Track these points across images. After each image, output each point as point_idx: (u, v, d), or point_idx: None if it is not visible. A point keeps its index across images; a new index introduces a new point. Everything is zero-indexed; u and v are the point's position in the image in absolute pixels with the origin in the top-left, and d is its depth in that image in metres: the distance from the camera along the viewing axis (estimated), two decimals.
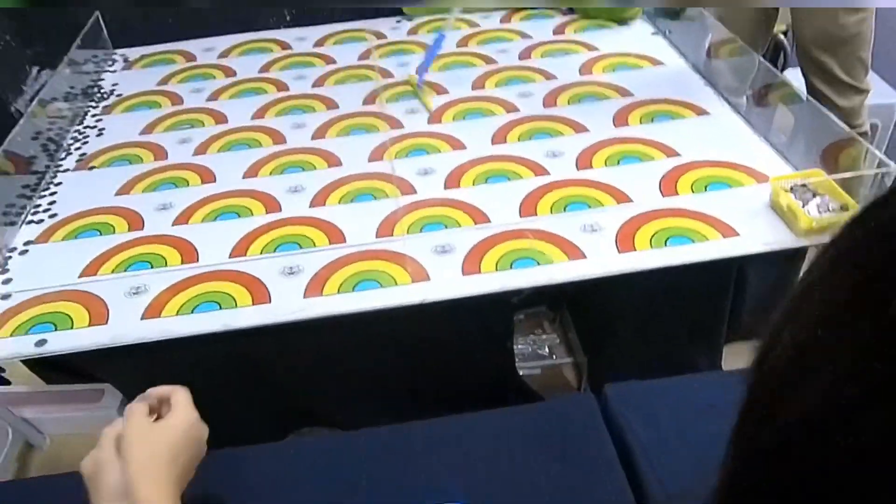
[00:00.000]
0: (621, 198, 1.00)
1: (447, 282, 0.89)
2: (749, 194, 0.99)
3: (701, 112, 1.18)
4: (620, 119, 1.18)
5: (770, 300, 1.04)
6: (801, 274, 0.27)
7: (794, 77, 1.33)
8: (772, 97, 1.14)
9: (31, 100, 1.42)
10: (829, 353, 0.23)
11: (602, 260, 0.89)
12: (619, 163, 1.07)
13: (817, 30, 1.35)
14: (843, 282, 0.24)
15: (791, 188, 0.94)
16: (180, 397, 0.60)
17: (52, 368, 1.00)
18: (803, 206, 0.91)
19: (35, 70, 1.55)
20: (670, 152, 1.08)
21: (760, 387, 0.26)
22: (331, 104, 1.29)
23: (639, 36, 1.45)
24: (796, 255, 1.01)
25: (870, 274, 0.23)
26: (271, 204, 1.05)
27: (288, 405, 1.04)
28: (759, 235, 0.92)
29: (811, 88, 1.41)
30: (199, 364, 0.91)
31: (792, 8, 1.47)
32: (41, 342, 0.85)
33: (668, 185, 1.02)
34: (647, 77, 1.31)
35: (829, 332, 0.23)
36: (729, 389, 0.27)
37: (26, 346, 0.84)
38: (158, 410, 0.61)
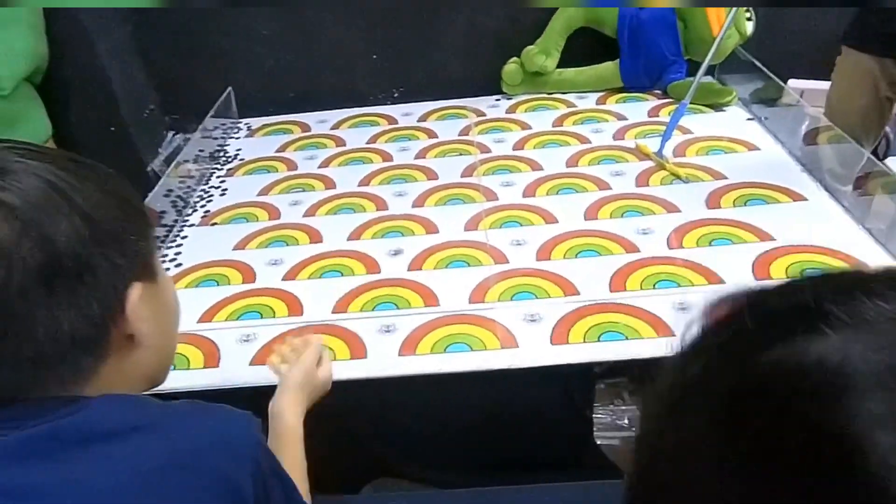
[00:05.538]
0: (712, 278, 1.00)
1: (535, 350, 0.92)
2: None
3: (798, 198, 1.18)
4: (713, 201, 1.19)
5: None
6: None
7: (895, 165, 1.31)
8: (871, 185, 1.13)
9: (166, 161, 1.59)
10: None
11: None
12: (710, 244, 1.08)
13: None
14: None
15: None
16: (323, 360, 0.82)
17: None
18: None
19: (170, 135, 1.74)
20: (764, 236, 1.08)
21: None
22: (431, 175, 1.38)
23: (733, 121, 1.47)
24: None
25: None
26: (372, 265, 1.12)
27: (366, 455, 1.08)
28: None
29: None
30: None
31: None
32: None
33: (762, 268, 1.02)
34: (742, 161, 1.32)
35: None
36: None
37: None
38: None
